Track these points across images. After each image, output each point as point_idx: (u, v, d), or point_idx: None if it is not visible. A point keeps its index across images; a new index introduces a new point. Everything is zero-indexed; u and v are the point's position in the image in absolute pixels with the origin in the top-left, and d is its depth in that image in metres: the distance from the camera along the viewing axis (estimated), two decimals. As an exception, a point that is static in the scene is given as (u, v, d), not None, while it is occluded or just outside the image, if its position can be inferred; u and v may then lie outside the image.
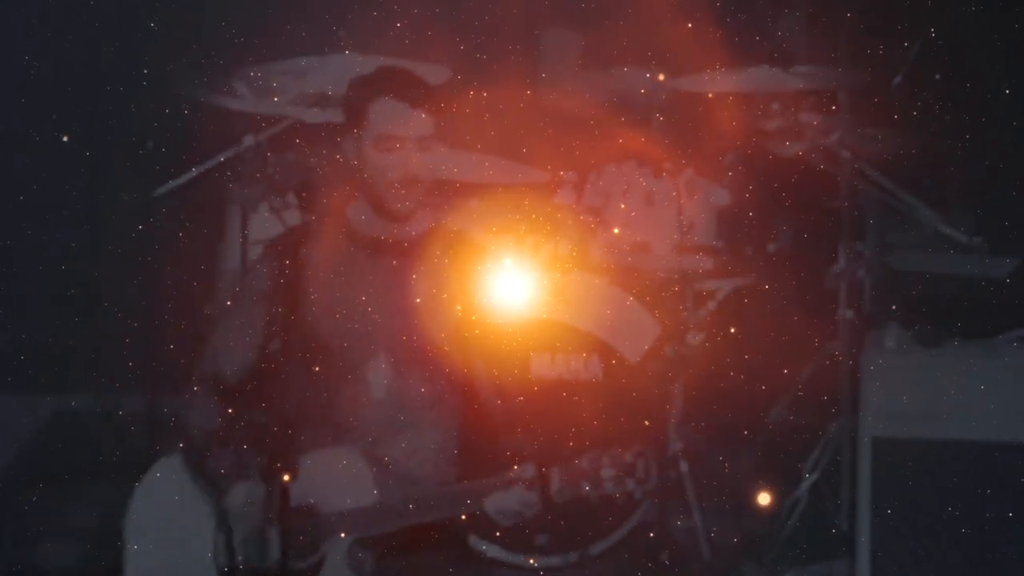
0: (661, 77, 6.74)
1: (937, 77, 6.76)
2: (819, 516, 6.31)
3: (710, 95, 6.77)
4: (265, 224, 6.31)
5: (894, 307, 6.39)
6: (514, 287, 5.01)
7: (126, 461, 4.79)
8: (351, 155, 4.72)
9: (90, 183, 7.12)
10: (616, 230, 6.50)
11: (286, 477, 4.25)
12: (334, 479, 4.53)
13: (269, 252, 4.78)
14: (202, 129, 6.64)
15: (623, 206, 6.52)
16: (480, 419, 4.75)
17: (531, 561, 6.12)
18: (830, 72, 6.57)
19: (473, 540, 6.05)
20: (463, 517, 4.57)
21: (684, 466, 6.34)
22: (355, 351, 4.66)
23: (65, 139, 6.77)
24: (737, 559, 6.25)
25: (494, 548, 6.10)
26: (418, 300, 4.71)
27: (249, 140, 6.40)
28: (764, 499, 6.08)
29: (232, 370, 4.69)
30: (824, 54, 6.62)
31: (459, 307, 4.74)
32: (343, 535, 4.52)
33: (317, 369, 4.63)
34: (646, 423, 6.17)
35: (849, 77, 6.51)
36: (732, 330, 6.71)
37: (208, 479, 4.60)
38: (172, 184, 6.53)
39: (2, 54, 6.77)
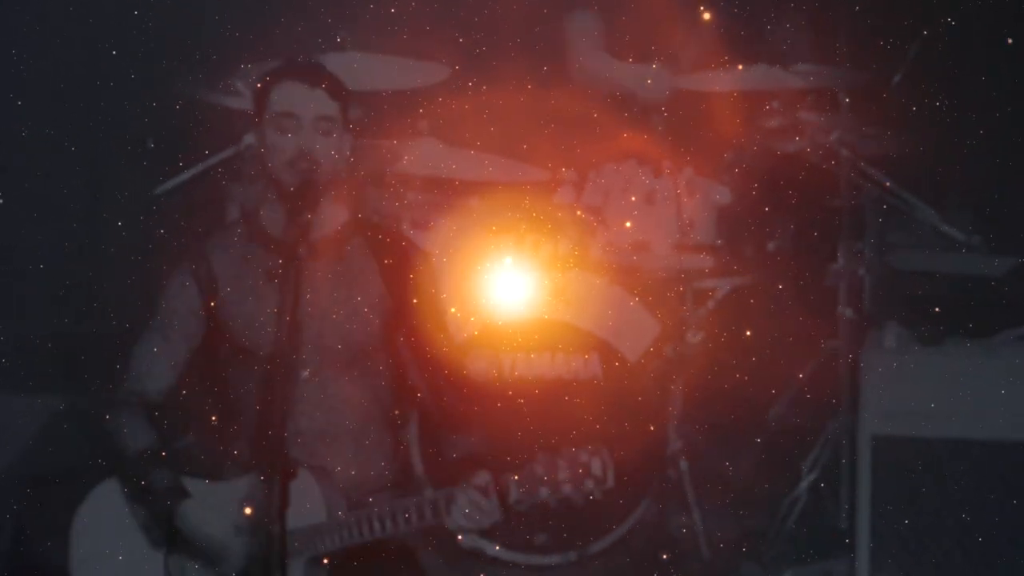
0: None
1: (936, 76, 6.76)
2: (819, 515, 6.31)
3: (710, 93, 6.78)
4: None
5: (894, 306, 6.39)
6: (443, 279, 4.92)
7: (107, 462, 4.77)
8: (257, 145, 4.63)
9: (89, 182, 7.11)
10: (628, 224, 6.50)
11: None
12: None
13: (180, 266, 4.70)
14: (202, 128, 6.63)
15: (625, 204, 6.52)
16: (424, 422, 4.69)
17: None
18: (830, 71, 6.57)
19: (472, 538, 6.06)
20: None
21: (684, 465, 6.33)
22: (279, 359, 4.56)
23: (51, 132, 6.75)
24: (736, 558, 6.26)
25: (493, 547, 6.11)
26: (337, 301, 4.62)
27: (249, 139, 6.39)
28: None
29: (155, 388, 4.64)
30: (824, 53, 6.61)
31: (386, 305, 4.65)
32: (298, 554, 4.46)
33: (244, 379, 4.58)
34: (645, 422, 6.18)
35: (849, 76, 6.51)
36: (732, 329, 6.71)
37: (148, 500, 4.54)
38: (172, 183, 6.52)
39: (2, 53, 6.77)
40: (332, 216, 4.69)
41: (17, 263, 7.06)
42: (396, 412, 4.73)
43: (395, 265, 4.67)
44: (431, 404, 4.67)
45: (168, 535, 4.54)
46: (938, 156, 6.75)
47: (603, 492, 4.35)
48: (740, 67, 6.63)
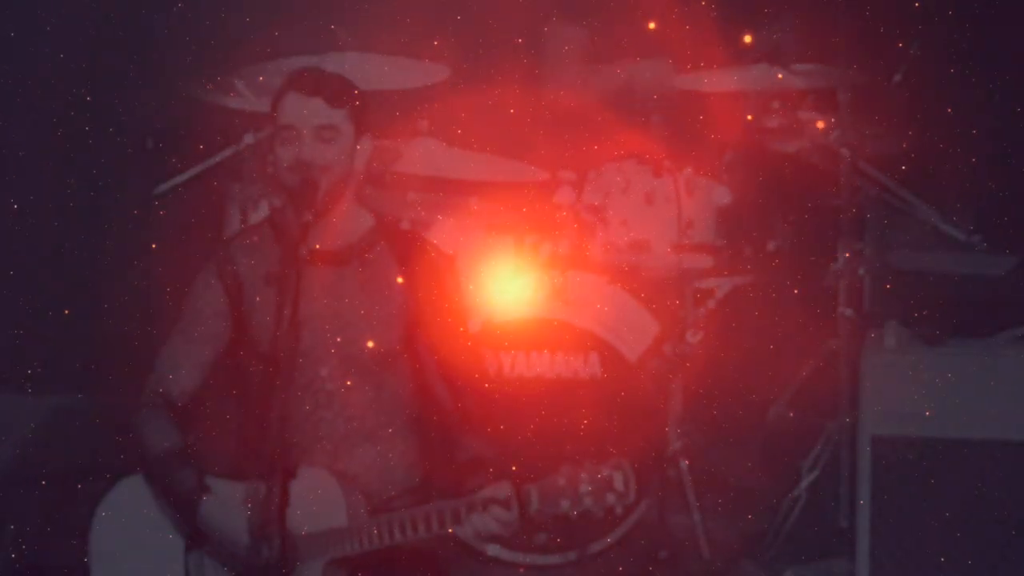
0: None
1: (936, 76, 6.76)
2: (819, 514, 6.31)
3: (710, 93, 6.78)
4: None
5: (894, 306, 6.39)
6: (470, 286, 4.91)
7: (126, 460, 4.77)
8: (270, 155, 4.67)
9: (90, 182, 7.11)
10: (627, 223, 6.49)
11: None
12: (305, 500, 4.45)
13: (209, 267, 4.70)
14: (202, 128, 6.64)
15: (624, 204, 6.52)
16: (441, 426, 4.69)
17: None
18: (830, 70, 6.57)
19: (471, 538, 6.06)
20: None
21: (684, 465, 6.33)
22: (302, 364, 4.58)
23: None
24: (736, 557, 6.26)
25: (493, 546, 6.11)
26: (362, 308, 4.62)
27: (249, 139, 6.40)
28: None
29: (179, 390, 4.64)
30: (824, 53, 6.61)
31: (409, 311, 4.65)
32: (317, 557, 4.46)
33: (267, 385, 4.53)
34: (645, 421, 6.18)
35: (849, 75, 6.51)
36: (732, 329, 6.70)
37: (172, 499, 4.54)
38: (172, 183, 6.53)
39: (2, 52, 6.77)
40: (357, 223, 4.70)
41: (17, 263, 7.06)
42: (413, 417, 4.72)
43: (418, 270, 4.67)
44: (452, 408, 4.67)
45: (191, 532, 4.54)
46: (938, 156, 6.75)
47: (624, 507, 4.35)
48: (740, 67, 6.65)
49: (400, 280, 4.65)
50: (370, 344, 4.62)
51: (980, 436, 5.57)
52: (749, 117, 6.69)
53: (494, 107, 6.83)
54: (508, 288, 6.24)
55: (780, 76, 6.61)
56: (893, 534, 5.61)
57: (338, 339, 4.61)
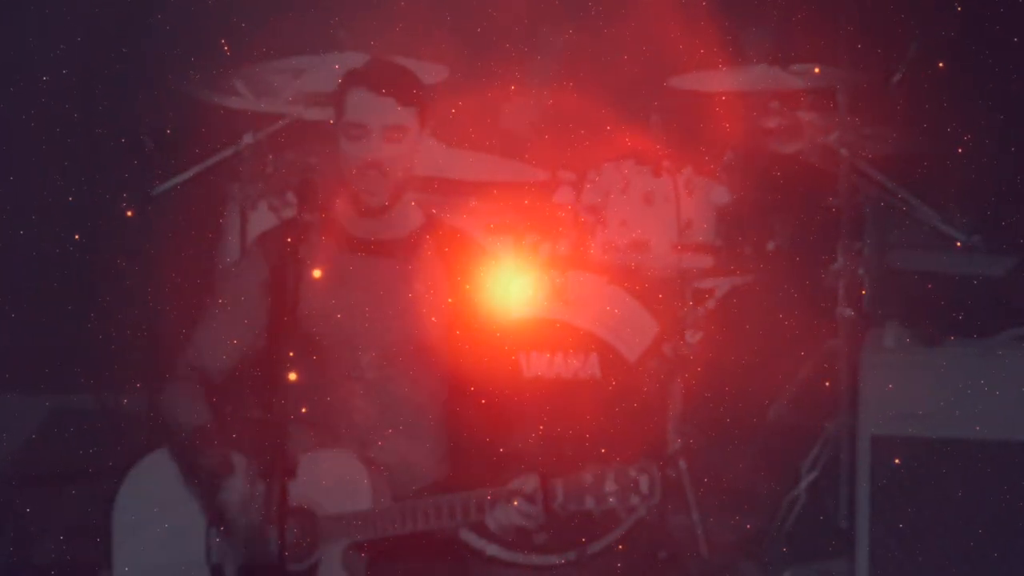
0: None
1: (936, 76, 6.76)
2: (818, 515, 6.31)
3: (710, 93, 6.78)
4: (264, 223, 6.29)
5: (893, 306, 6.39)
6: (507, 285, 4.94)
7: (126, 460, 4.79)
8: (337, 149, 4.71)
9: (90, 182, 7.12)
10: (627, 223, 6.48)
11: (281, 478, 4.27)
12: (331, 482, 4.49)
13: (257, 248, 4.76)
14: (201, 127, 6.64)
15: (624, 204, 6.51)
16: (472, 419, 4.71)
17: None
18: (830, 71, 6.57)
19: (472, 538, 6.06)
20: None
21: (683, 465, 6.33)
22: (343, 352, 4.63)
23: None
24: (735, 557, 6.25)
25: (493, 546, 6.10)
26: (406, 300, 4.67)
27: (248, 139, 6.40)
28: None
29: (215, 366, 4.67)
30: (824, 52, 6.61)
31: (450, 306, 4.70)
32: (339, 539, 4.50)
33: (306, 368, 4.56)
34: (644, 422, 6.18)
35: (848, 76, 6.51)
36: (732, 329, 6.70)
37: (198, 476, 4.56)
38: (171, 183, 6.53)
39: (2, 52, 6.77)
40: (408, 218, 4.76)
41: (16, 263, 7.06)
42: (448, 409, 4.76)
43: (461, 266, 4.73)
44: (484, 404, 4.69)
45: (211, 511, 4.56)
46: (938, 156, 6.75)
47: (647, 509, 4.38)
48: (740, 67, 6.65)
49: (442, 274, 4.71)
50: (411, 337, 4.66)
51: (980, 436, 5.56)
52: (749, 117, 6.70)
53: (494, 107, 6.83)
54: (507, 289, 6.23)
55: (780, 76, 6.61)
56: (893, 534, 5.60)
57: (380, 330, 4.66)
